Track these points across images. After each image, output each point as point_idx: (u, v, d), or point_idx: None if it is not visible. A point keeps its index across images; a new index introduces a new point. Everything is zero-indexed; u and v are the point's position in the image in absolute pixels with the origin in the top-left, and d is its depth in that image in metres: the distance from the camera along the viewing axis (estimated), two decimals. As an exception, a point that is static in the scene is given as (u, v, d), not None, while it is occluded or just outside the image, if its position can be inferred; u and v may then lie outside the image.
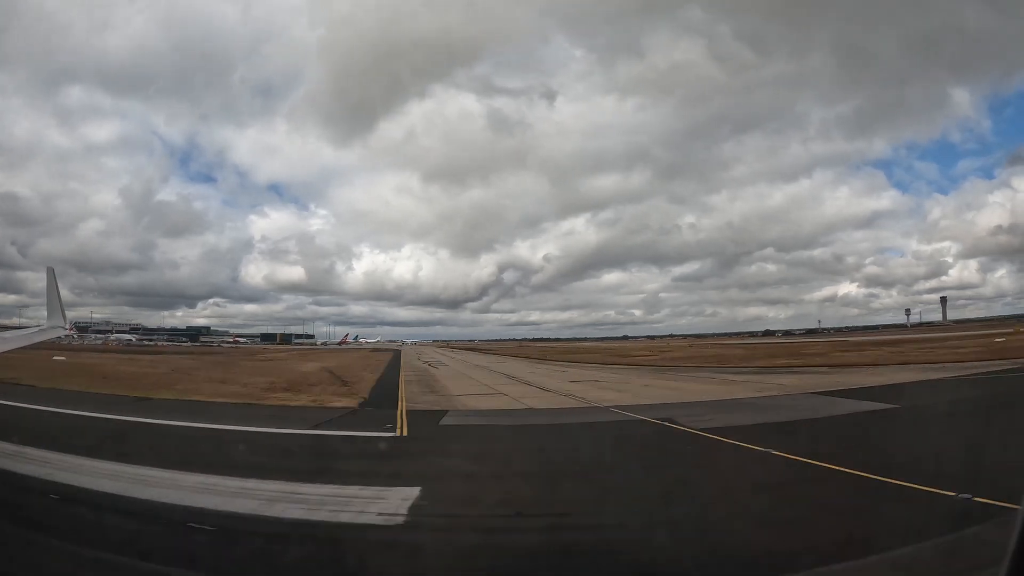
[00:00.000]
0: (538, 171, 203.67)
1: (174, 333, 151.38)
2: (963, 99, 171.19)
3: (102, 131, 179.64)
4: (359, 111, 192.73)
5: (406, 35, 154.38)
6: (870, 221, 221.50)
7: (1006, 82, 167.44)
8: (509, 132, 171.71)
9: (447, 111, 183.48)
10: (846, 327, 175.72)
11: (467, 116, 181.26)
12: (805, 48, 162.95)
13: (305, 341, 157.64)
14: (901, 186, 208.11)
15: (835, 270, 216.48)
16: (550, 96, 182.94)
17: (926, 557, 4.53)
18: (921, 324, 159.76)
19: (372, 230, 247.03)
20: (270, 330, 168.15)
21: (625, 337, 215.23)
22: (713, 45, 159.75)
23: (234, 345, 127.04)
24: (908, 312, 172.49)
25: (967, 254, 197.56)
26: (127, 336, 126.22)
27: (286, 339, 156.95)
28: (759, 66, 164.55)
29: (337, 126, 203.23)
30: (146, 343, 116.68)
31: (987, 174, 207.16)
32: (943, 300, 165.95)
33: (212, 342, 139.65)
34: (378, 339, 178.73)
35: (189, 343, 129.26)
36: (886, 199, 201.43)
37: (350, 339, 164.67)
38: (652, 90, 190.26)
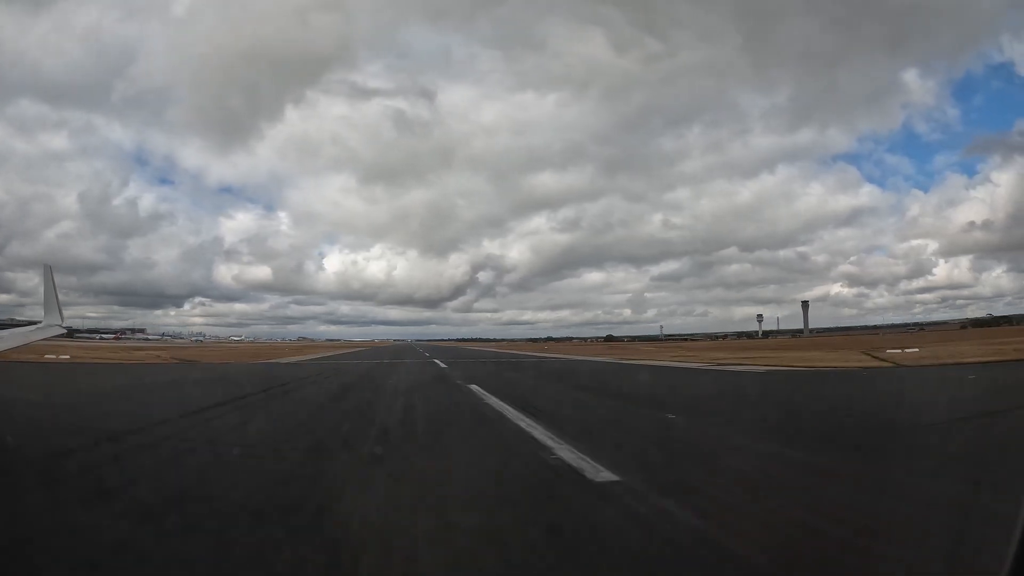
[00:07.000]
0: (472, 170, 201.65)
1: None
2: (916, 84, 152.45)
3: (57, 139, 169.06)
4: (240, 119, 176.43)
5: (265, 42, 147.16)
6: (850, 219, 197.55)
7: (956, 66, 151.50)
8: (412, 132, 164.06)
9: (337, 113, 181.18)
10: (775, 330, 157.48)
11: (364, 117, 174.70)
12: (709, 32, 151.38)
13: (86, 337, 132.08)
14: (877, 182, 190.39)
15: (817, 269, 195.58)
16: (429, 96, 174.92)
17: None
18: (777, 332, 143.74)
19: (331, 231, 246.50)
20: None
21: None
22: (611, 34, 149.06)
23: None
24: (760, 318, 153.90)
25: (950, 251, 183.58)
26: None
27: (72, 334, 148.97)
28: (670, 55, 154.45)
29: (226, 133, 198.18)
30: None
31: (964, 168, 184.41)
32: (804, 305, 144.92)
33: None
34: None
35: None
36: (863, 195, 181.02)
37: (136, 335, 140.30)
38: (567, 85, 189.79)
